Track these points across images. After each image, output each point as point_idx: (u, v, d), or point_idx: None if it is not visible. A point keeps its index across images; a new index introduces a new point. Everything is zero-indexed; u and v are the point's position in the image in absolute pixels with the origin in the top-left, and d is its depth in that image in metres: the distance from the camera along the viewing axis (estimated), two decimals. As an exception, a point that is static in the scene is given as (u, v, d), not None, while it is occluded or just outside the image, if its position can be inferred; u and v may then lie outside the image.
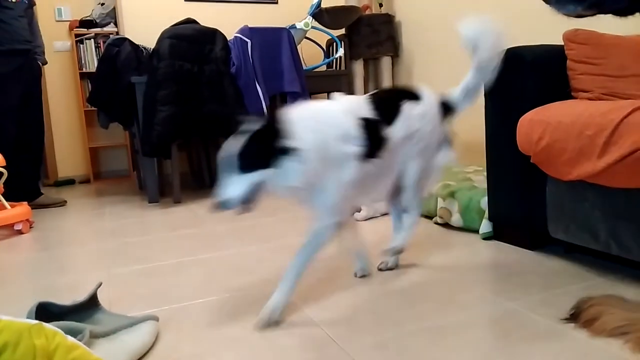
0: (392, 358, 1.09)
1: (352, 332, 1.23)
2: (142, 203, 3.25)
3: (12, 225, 2.60)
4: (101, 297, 1.53)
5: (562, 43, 1.81)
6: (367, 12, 4.12)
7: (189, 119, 3.04)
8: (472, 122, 3.23)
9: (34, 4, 3.35)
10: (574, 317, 1.21)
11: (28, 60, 3.24)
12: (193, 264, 1.87)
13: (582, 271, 1.55)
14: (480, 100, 1.91)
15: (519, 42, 1.85)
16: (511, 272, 1.60)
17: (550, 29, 1.71)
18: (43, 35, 3.47)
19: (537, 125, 1.60)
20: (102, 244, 2.28)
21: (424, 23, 3.79)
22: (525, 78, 1.73)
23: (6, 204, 2.65)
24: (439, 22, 3.59)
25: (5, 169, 2.67)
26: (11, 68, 3.08)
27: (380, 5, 4.11)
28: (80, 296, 1.31)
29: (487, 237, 1.95)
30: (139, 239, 2.31)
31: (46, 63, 3.51)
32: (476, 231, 2.00)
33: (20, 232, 2.61)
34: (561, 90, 1.76)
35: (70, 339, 0.92)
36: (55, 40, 4.46)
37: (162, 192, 3.38)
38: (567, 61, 1.79)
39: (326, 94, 4.31)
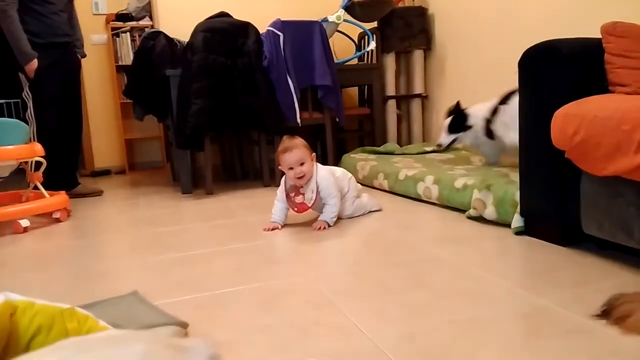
0: (419, 350, 1.10)
1: (380, 323, 1.24)
2: (175, 194, 3.33)
3: (50, 213, 2.71)
4: (136, 285, 1.58)
5: (600, 36, 1.77)
6: (400, 4, 4.09)
7: (221, 112, 3.09)
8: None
9: (74, -2, 3.45)
10: (606, 314, 1.19)
11: (67, 53, 3.35)
12: (225, 254, 1.91)
13: (615, 268, 1.53)
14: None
15: (555, 35, 1.82)
16: (542, 267, 1.58)
17: (587, 22, 1.67)
18: (81, 28, 3.57)
19: (572, 119, 1.57)
20: (137, 232, 2.35)
21: (457, 16, 3.74)
22: (561, 72, 1.70)
23: (45, 193, 2.76)
24: (472, 15, 3.54)
25: (45, 159, 2.77)
26: (50, 61, 3.18)
27: (413, -3, 4.08)
28: (115, 282, 1.35)
29: (519, 232, 1.93)
30: (172, 229, 2.37)
31: (85, 56, 3.61)
32: (509, 225, 1.98)
33: (58, 220, 2.71)
34: (598, 84, 1.72)
35: (102, 322, 0.95)
36: (92, 34, 4.59)
37: (194, 183, 3.45)
38: (605, 54, 1.74)
39: (357, 87, 4.32)
